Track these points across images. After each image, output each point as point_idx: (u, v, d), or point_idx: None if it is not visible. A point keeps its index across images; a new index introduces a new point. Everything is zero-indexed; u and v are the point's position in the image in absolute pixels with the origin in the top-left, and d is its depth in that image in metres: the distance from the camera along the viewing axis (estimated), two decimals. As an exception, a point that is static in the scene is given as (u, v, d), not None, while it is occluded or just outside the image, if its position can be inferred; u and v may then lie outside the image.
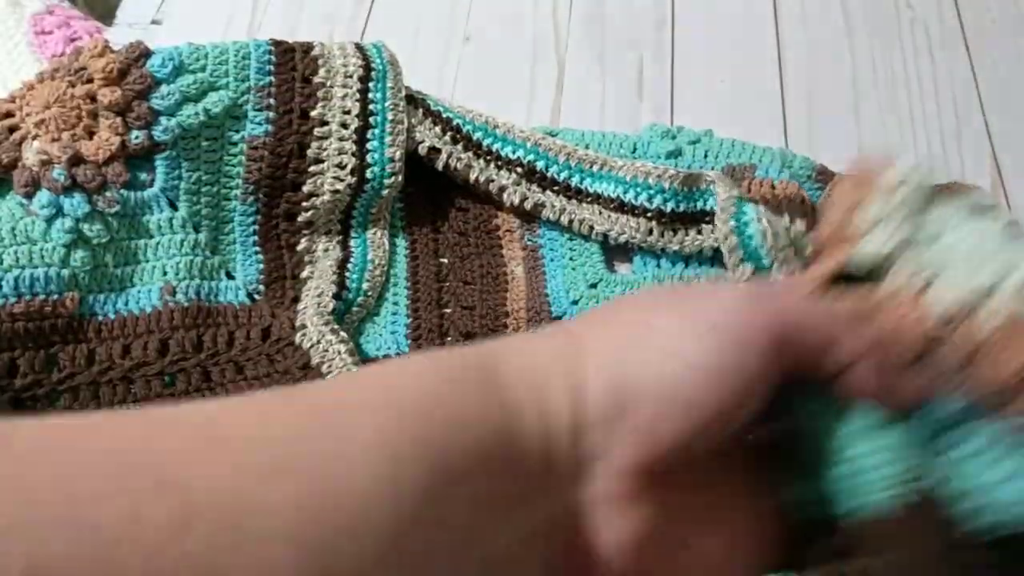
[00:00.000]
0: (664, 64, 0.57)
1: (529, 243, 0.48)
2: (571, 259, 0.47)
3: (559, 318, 0.45)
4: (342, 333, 0.42)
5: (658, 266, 0.46)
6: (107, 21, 0.58)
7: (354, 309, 0.45)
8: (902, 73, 0.57)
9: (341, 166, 0.45)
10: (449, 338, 0.45)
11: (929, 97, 0.56)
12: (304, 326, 0.42)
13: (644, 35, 0.59)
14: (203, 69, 0.43)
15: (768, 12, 0.60)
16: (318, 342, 0.41)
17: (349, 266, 0.45)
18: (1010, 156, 0.53)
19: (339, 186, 0.45)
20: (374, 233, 0.47)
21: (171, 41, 0.43)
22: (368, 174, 0.45)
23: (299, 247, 0.45)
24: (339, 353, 0.41)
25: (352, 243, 0.46)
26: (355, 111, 0.45)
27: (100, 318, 0.41)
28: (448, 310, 0.46)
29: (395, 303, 0.46)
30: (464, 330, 0.45)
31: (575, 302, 0.46)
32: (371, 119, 0.45)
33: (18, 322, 0.38)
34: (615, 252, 0.48)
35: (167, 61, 0.42)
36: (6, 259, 0.39)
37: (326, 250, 0.46)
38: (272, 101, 0.44)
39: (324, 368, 0.40)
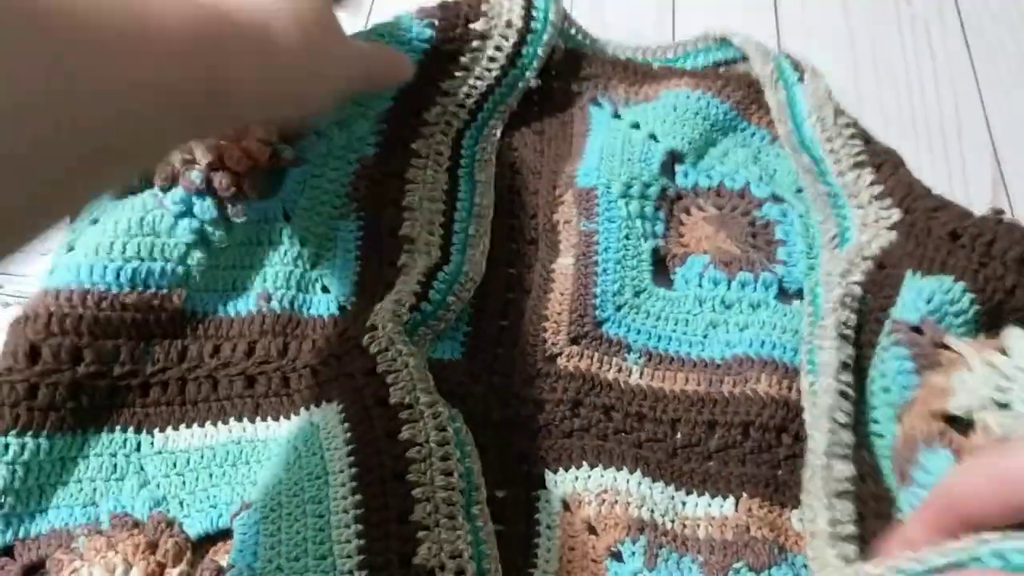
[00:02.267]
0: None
1: (584, 228, 0.47)
2: (624, 255, 0.46)
3: (600, 324, 0.44)
4: (411, 345, 0.39)
5: (700, 285, 0.46)
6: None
7: (430, 322, 0.43)
8: (902, 72, 0.57)
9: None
10: (501, 349, 0.44)
11: (929, 96, 0.56)
12: (375, 327, 0.39)
13: (645, 28, 0.61)
14: (353, 100, 0.45)
15: (768, 8, 0.61)
16: (386, 349, 0.38)
17: (439, 275, 0.44)
18: (1011, 155, 0.53)
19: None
20: (473, 251, 0.46)
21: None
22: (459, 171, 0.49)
23: (399, 262, 0.45)
24: (406, 365, 0.37)
25: (452, 254, 0.46)
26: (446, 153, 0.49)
27: (198, 316, 0.43)
28: (506, 322, 0.45)
29: (461, 310, 0.45)
30: (513, 340, 0.44)
31: (619, 308, 0.45)
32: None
33: (127, 312, 0.40)
34: (658, 268, 0.47)
35: None
36: (129, 249, 0.40)
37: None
38: (385, 127, 0.48)
39: (389, 379, 0.37)
